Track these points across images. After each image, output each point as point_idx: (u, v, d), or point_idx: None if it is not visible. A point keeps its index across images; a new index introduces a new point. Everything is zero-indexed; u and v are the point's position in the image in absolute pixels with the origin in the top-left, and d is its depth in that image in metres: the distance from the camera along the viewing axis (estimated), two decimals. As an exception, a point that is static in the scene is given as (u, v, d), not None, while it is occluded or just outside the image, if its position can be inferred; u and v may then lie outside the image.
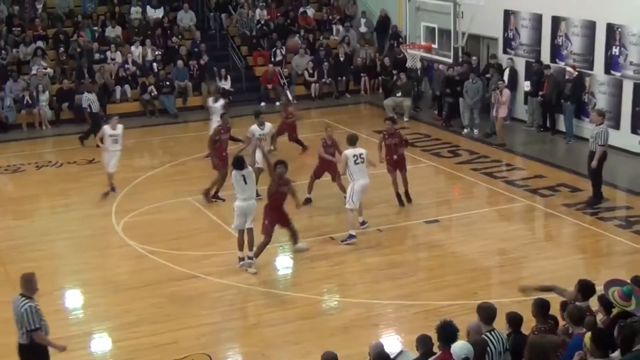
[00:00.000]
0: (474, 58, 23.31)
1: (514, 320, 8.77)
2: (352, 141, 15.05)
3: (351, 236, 14.65)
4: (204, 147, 20.29)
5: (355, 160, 14.76)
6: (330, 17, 29.36)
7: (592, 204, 16.20)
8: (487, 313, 8.52)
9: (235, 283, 13.17)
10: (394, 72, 24.80)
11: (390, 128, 16.53)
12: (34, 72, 24.32)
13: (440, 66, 23.03)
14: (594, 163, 15.95)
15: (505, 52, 23.20)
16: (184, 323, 11.90)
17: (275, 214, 13.58)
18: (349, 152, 14.84)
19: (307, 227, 15.41)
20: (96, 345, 11.65)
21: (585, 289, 9.03)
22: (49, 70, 24.78)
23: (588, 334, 8.04)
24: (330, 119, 23.60)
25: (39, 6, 27.54)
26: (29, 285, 9.52)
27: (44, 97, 23.85)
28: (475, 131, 21.83)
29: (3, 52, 24.99)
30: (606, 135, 15.94)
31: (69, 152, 21.09)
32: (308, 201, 16.56)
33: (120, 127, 17.48)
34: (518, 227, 15.73)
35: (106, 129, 17.48)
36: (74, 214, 16.87)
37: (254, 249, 13.47)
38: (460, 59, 21.62)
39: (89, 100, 21.46)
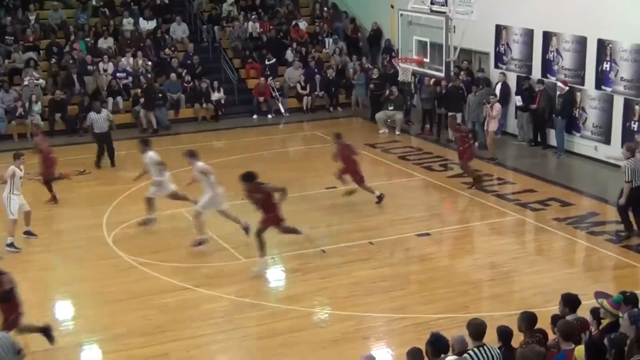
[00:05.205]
0: (462, 73, 23.34)
1: (504, 334, 8.78)
2: (197, 155, 15.46)
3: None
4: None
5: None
6: (322, 30, 29.45)
7: (625, 239, 15.26)
8: (475, 329, 8.51)
9: (226, 295, 13.15)
10: (388, 85, 24.86)
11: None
12: (26, 82, 24.32)
13: (432, 81, 23.10)
14: (621, 200, 15.12)
15: (496, 66, 23.31)
16: (174, 335, 11.87)
17: None
18: (202, 164, 15.20)
19: (298, 239, 15.43)
20: (86, 356, 11.60)
21: (569, 301, 9.10)
22: (41, 81, 24.79)
23: (578, 348, 8.08)
24: (322, 132, 23.70)
25: (32, 17, 27.57)
26: None
27: (37, 108, 23.85)
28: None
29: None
30: (630, 171, 14.85)
31: (60, 164, 20.96)
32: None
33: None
34: (509, 241, 15.75)
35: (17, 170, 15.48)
36: (64, 225, 16.84)
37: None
38: (453, 73, 21.71)
39: (91, 119, 20.95)
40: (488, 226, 16.57)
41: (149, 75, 25.61)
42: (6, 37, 26.27)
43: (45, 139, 19.60)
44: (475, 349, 8.34)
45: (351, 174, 17.41)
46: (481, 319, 8.74)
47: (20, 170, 15.58)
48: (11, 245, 15.29)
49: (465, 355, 8.29)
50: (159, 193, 16.23)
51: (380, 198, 17.39)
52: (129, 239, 15.64)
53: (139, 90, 25.02)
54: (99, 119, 20.87)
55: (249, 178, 14.22)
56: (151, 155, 16.31)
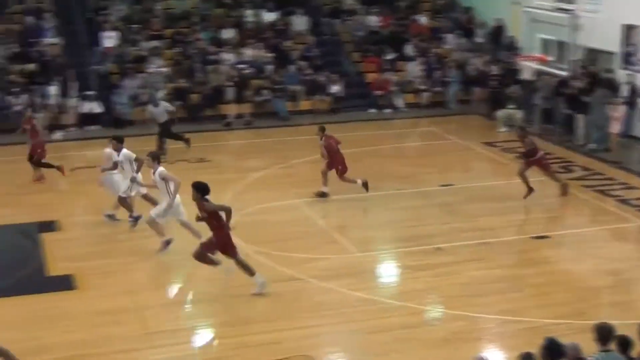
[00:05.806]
0: (586, 73, 22.64)
1: (623, 343, 8.49)
2: (159, 158, 14.73)
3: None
4: (314, 150, 20.49)
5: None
6: (443, 26, 29.14)
7: None
8: (600, 332, 8.27)
9: (338, 287, 13.16)
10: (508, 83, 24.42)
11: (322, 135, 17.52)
12: (150, 70, 25.00)
13: (553, 79, 22.57)
14: None
15: (623, 67, 22.54)
16: (286, 324, 11.96)
17: None
18: (163, 169, 14.51)
19: (412, 236, 15.34)
20: (201, 340, 11.84)
21: None
22: (165, 69, 25.42)
23: None
24: (440, 128, 23.50)
25: (158, 7, 28.33)
26: None
27: (160, 95, 24.44)
28: (593, 146, 21.25)
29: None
30: None
31: (180, 150, 21.47)
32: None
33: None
34: (631, 247, 15.24)
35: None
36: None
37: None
38: (578, 73, 21.18)
39: (150, 112, 21.59)
40: (609, 231, 16.04)
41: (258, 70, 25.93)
42: (133, 25, 27.07)
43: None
44: (602, 354, 8.09)
45: (336, 165, 17.33)
46: (609, 323, 8.47)
47: (132, 153, 15.97)
48: (133, 219, 15.73)
49: (591, 358, 8.06)
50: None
51: (365, 185, 17.40)
52: (244, 227, 15.78)
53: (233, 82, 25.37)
54: (157, 112, 21.23)
55: (197, 189, 12.74)
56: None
